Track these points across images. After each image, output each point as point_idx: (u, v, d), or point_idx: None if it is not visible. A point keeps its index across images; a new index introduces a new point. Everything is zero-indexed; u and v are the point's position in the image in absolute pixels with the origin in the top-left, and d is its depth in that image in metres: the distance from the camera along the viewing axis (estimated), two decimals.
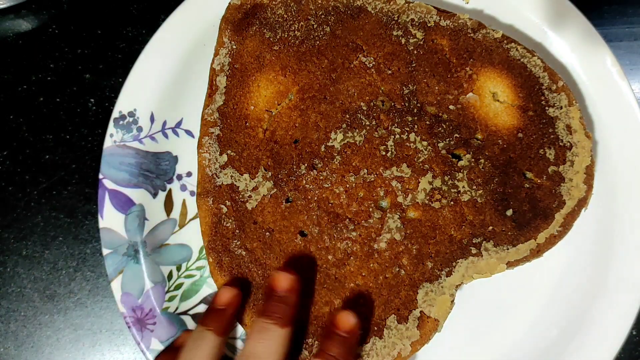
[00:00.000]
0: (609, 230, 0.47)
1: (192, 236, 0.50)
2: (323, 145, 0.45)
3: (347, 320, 0.39)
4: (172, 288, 0.49)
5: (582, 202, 0.43)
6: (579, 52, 0.49)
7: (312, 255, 0.43)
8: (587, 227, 0.47)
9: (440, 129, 0.44)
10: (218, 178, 0.45)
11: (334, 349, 0.38)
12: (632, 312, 0.45)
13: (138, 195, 0.50)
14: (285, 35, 0.47)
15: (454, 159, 0.44)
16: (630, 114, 0.47)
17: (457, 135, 0.44)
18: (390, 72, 0.46)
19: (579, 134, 0.43)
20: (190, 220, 0.51)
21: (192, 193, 0.51)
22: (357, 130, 0.45)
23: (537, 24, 0.50)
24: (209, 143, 0.45)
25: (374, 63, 0.46)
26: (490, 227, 0.43)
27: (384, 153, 0.44)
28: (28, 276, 0.54)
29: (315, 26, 0.47)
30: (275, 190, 0.44)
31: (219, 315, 0.42)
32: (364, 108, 0.45)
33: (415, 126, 0.44)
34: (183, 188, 0.51)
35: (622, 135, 0.47)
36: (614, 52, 0.48)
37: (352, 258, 0.43)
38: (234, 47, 0.47)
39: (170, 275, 0.49)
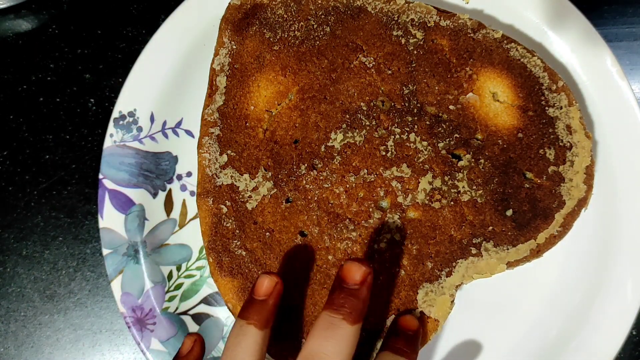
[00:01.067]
0: (609, 230, 0.47)
1: (192, 236, 0.50)
2: (323, 146, 0.45)
3: (413, 321, 0.41)
4: (172, 288, 0.49)
5: (582, 202, 0.43)
6: (579, 52, 0.49)
7: (312, 255, 0.43)
8: (587, 227, 0.47)
9: (440, 129, 0.44)
10: (218, 178, 0.45)
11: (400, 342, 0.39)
12: (632, 312, 0.45)
13: (138, 195, 0.50)
14: (285, 36, 0.47)
15: (454, 159, 0.44)
16: (630, 114, 0.47)
17: (457, 135, 0.44)
18: (390, 72, 0.46)
19: (579, 134, 0.43)
20: (190, 220, 0.51)
21: (192, 193, 0.51)
22: (357, 131, 0.45)
23: (537, 24, 0.50)
24: (209, 143, 0.45)
25: (374, 63, 0.46)
26: (490, 227, 0.43)
27: (384, 153, 0.44)
28: (28, 276, 0.54)
29: (315, 26, 0.47)
30: (275, 190, 0.44)
31: (261, 307, 0.38)
32: (364, 108, 0.45)
33: (415, 126, 0.44)
34: (183, 188, 0.51)
35: (622, 135, 0.47)
36: (614, 52, 0.48)
37: None
38: (234, 47, 0.47)
39: (170, 275, 0.49)
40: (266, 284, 0.39)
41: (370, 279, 0.37)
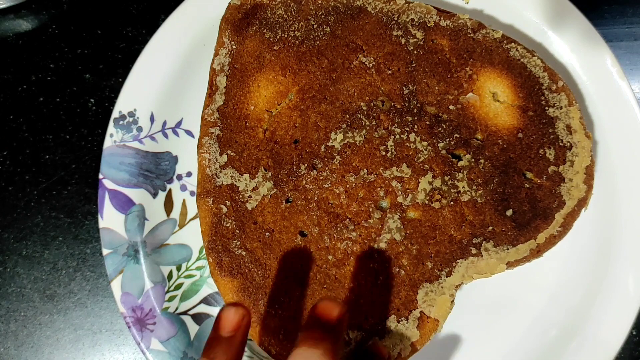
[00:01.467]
0: (608, 230, 0.47)
1: (192, 236, 0.50)
2: (323, 146, 0.45)
3: (385, 348, 0.40)
4: (172, 288, 0.49)
5: (582, 202, 0.43)
6: (579, 52, 0.49)
7: (312, 255, 0.43)
8: (587, 227, 0.47)
9: (440, 129, 0.44)
10: (218, 178, 0.45)
11: None
12: (632, 312, 0.45)
13: (138, 195, 0.50)
14: (285, 36, 0.47)
15: (454, 159, 0.44)
16: (630, 114, 0.47)
17: (457, 135, 0.44)
18: (390, 72, 0.46)
19: (578, 134, 0.43)
20: (190, 220, 0.51)
21: (192, 193, 0.51)
22: (357, 131, 0.45)
23: (537, 24, 0.50)
24: (209, 143, 0.45)
25: (374, 63, 0.46)
26: (490, 227, 0.43)
27: (384, 153, 0.44)
28: (28, 276, 0.54)
29: (315, 26, 0.47)
30: (275, 190, 0.44)
31: (227, 345, 0.34)
32: (364, 108, 0.45)
33: (415, 126, 0.44)
34: (183, 188, 0.51)
35: (622, 135, 0.47)
36: (614, 52, 0.48)
37: (352, 258, 0.43)
38: (234, 47, 0.47)
39: (170, 275, 0.49)
40: (232, 318, 0.35)
41: (346, 318, 0.35)
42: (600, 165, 0.48)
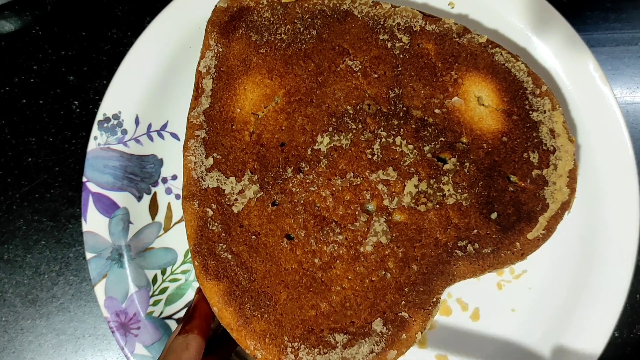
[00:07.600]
0: (592, 233, 0.48)
1: (177, 240, 0.50)
2: (309, 149, 0.45)
3: None
4: (156, 292, 0.49)
5: (566, 206, 0.43)
6: (562, 57, 0.49)
7: (299, 258, 0.43)
8: (570, 230, 0.48)
9: (425, 132, 0.45)
10: (204, 181, 0.45)
11: None
12: (615, 314, 0.46)
13: (122, 198, 0.49)
14: (272, 39, 0.47)
15: (439, 163, 0.44)
16: (613, 118, 0.48)
17: (443, 139, 0.44)
18: (376, 75, 0.46)
19: (562, 137, 0.44)
20: (176, 223, 0.50)
21: (177, 196, 0.51)
22: (343, 134, 0.45)
23: (521, 29, 0.50)
24: (195, 146, 0.45)
25: (360, 67, 0.46)
26: (475, 230, 0.43)
27: (370, 156, 0.44)
28: (10, 280, 0.53)
29: (301, 29, 0.47)
30: (261, 193, 0.44)
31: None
32: (350, 111, 0.45)
33: (401, 130, 0.45)
34: (168, 191, 0.51)
35: (605, 139, 0.48)
36: (597, 57, 0.48)
37: (338, 261, 0.43)
38: (220, 49, 0.47)
39: (154, 279, 0.49)
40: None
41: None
42: (583, 169, 0.48)
